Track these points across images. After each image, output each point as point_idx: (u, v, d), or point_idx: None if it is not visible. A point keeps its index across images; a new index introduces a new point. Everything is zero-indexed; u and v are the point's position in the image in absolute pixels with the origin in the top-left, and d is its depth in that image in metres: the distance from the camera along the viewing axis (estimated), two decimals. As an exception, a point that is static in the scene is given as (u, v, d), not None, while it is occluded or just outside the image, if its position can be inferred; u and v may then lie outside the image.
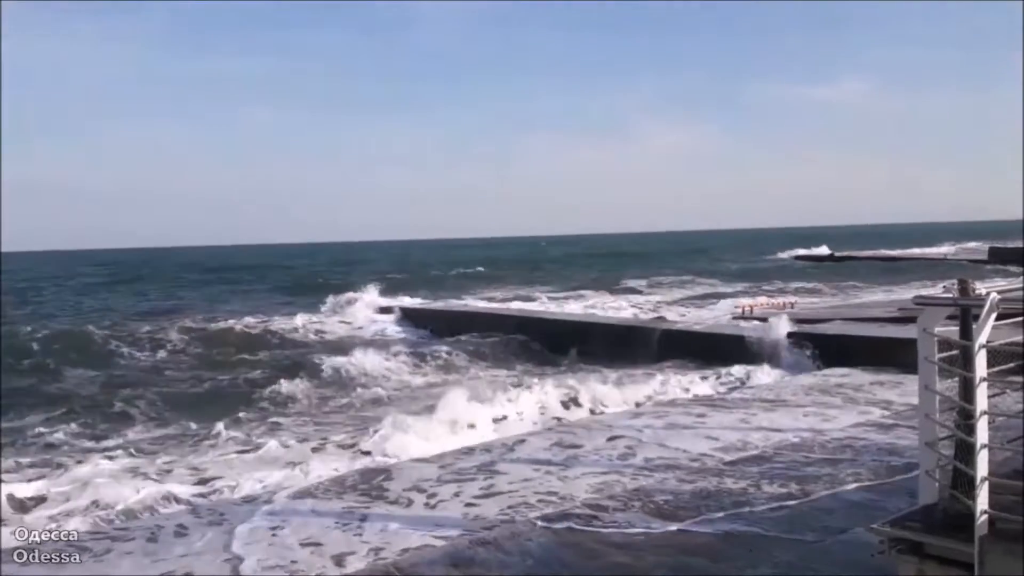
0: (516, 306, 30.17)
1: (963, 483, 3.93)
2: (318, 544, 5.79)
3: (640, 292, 38.00)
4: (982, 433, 3.77)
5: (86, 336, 24.43)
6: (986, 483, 3.74)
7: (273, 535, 6.01)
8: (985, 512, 3.72)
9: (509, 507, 6.48)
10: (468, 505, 6.63)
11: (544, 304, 31.85)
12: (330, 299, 31.24)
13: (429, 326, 25.04)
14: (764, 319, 17.64)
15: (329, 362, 18.67)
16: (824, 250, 69.17)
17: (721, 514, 6.17)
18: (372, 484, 7.29)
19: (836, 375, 12.78)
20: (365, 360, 18.62)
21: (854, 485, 6.85)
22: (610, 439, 8.77)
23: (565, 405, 13.33)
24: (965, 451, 3.90)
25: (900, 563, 3.92)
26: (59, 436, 13.05)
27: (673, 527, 5.92)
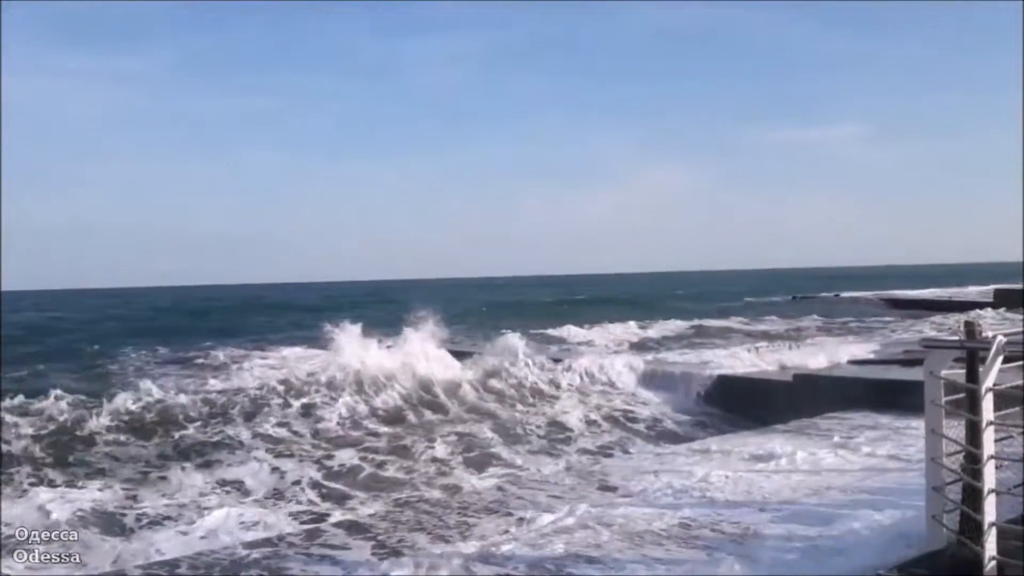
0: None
1: (971, 528, 3.88)
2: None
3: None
4: (989, 477, 3.73)
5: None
6: (994, 528, 3.69)
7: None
8: (994, 558, 3.67)
9: None
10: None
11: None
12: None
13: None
14: None
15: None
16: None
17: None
18: None
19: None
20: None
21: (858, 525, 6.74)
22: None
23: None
24: (972, 496, 3.86)
25: (907, 609, 3.87)
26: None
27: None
